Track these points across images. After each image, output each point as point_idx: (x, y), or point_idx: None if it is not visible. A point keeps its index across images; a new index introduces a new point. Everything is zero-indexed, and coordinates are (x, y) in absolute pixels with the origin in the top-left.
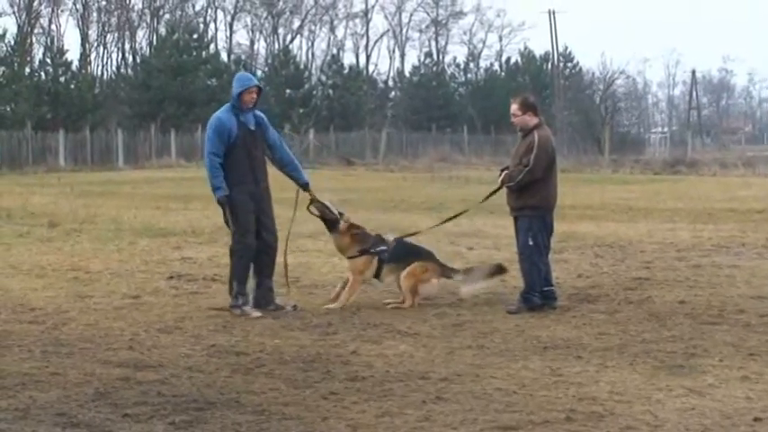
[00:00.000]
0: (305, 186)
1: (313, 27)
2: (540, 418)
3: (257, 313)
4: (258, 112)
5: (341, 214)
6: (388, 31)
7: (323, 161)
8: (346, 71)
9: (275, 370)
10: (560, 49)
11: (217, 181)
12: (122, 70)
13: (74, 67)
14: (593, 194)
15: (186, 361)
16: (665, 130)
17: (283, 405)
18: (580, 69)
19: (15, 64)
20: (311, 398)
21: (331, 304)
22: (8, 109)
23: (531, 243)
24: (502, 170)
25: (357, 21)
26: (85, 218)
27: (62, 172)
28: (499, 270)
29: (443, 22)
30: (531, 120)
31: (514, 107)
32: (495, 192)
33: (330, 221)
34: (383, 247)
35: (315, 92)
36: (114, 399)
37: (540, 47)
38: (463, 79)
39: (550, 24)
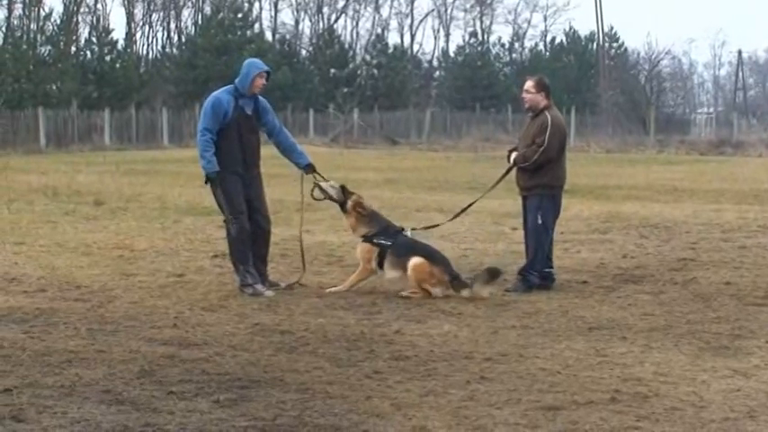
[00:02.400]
0: (307, 169)
1: (358, 6)
2: (585, 399)
3: (270, 292)
4: (261, 98)
5: (351, 194)
6: (433, 10)
7: (367, 141)
8: (391, 51)
9: (319, 349)
10: (605, 29)
11: (208, 155)
12: (167, 49)
13: (119, 47)
14: (638, 175)
15: (230, 339)
16: (711, 110)
17: (327, 384)
18: (625, 49)
19: (61, 43)
20: (355, 377)
21: (334, 288)
22: (54, 88)
23: (539, 222)
24: (510, 151)
25: (402, 0)
26: (131, 196)
27: (107, 150)
28: (496, 274)
29: (488, 1)
30: (543, 101)
31: (530, 84)
32: (506, 173)
33: (339, 202)
34: (387, 242)
35: (359, 71)
36: (159, 376)
37: (585, 27)
38: (508, 59)
39: (596, 4)
